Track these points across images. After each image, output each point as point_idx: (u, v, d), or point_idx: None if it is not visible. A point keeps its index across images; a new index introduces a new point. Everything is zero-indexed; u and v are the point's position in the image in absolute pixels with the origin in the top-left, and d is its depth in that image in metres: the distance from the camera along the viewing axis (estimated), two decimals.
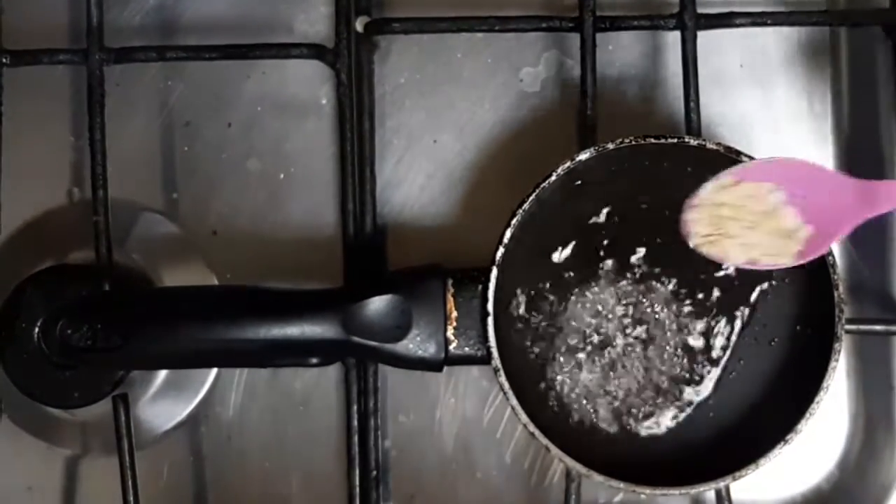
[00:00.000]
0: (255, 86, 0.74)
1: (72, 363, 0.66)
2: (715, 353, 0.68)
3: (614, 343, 0.68)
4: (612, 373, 0.68)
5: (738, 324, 0.68)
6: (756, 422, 0.67)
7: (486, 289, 0.65)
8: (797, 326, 0.67)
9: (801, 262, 0.63)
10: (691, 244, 0.63)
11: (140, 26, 0.74)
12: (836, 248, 0.70)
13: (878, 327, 0.70)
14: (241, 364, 0.72)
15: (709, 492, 0.69)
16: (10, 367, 0.67)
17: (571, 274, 0.68)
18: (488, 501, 0.73)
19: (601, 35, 0.70)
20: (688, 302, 0.68)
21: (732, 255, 0.63)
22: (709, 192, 0.63)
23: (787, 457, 0.64)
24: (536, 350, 0.68)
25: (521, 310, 0.68)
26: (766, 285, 0.68)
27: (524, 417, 0.64)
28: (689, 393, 0.68)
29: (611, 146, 0.65)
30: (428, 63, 0.74)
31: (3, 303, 0.68)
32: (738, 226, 0.63)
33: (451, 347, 0.66)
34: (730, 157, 0.65)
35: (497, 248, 0.65)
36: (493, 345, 0.64)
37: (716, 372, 0.68)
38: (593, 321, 0.68)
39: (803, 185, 0.63)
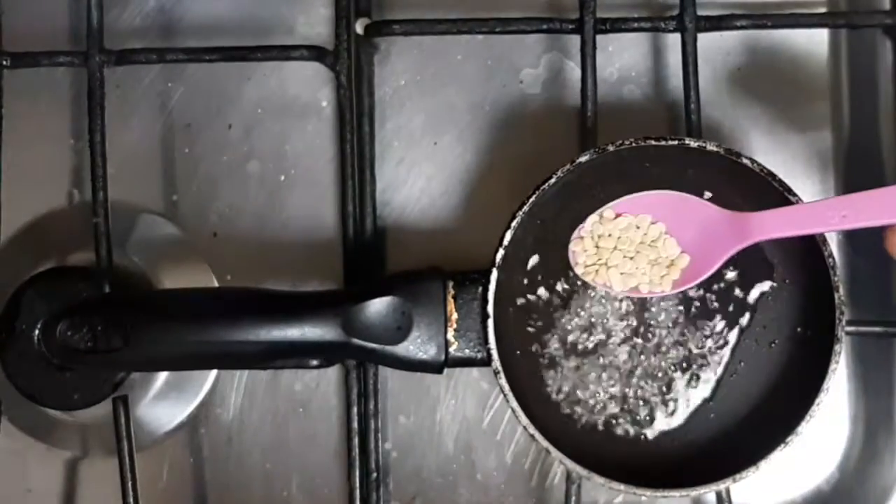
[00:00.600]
0: (255, 88, 0.74)
1: (72, 365, 0.66)
2: (715, 356, 0.68)
3: (615, 345, 0.68)
4: (612, 374, 0.68)
5: (738, 326, 0.68)
6: (756, 424, 0.67)
7: (486, 291, 0.65)
8: (797, 328, 0.67)
9: (679, 289, 0.66)
10: (577, 273, 0.67)
11: (140, 28, 0.74)
12: (836, 250, 0.70)
13: (878, 329, 0.70)
14: (241, 366, 0.72)
15: (709, 493, 0.69)
16: (11, 369, 0.67)
17: (573, 275, 0.68)
18: (489, 503, 0.73)
19: (601, 37, 0.70)
20: (690, 304, 0.68)
21: (615, 283, 0.66)
22: (591, 224, 0.66)
23: (787, 459, 0.64)
24: (537, 352, 0.68)
25: (522, 311, 0.68)
26: (766, 287, 0.68)
27: (524, 419, 0.64)
28: (689, 395, 0.68)
29: (611, 148, 0.65)
30: (428, 65, 0.74)
31: (4, 304, 0.67)
32: (619, 256, 0.66)
33: (452, 349, 0.66)
34: (730, 159, 0.65)
35: (497, 250, 0.65)
36: (494, 347, 0.64)
37: (716, 374, 0.68)
38: (594, 323, 0.68)
39: (680, 216, 0.65)
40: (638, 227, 0.66)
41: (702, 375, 0.68)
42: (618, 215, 0.66)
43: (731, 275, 0.68)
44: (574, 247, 0.66)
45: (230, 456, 0.73)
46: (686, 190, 0.66)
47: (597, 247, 0.66)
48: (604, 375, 0.68)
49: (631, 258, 0.66)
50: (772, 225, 0.63)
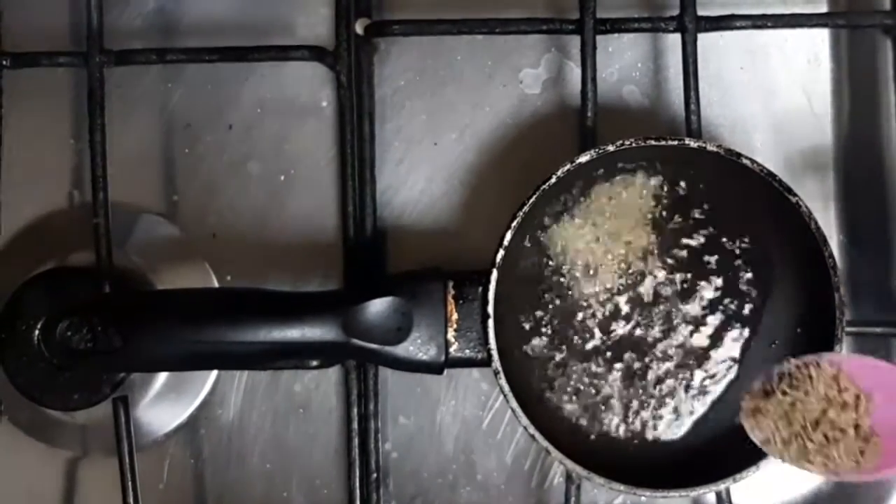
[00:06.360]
0: (255, 88, 0.74)
1: (72, 365, 0.66)
2: (715, 357, 0.68)
3: (616, 346, 0.68)
4: (613, 375, 0.68)
5: (738, 327, 0.68)
6: None
7: (486, 291, 0.65)
8: (797, 328, 0.67)
9: (873, 477, 0.58)
10: (756, 440, 0.59)
11: (140, 29, 0.74)
12: (836, 250, 0.70)
13: (878, 329, 0.70)
14: (241, 366, 0.72)
15: (709, 494, 0.68)
16: (11, 369, 0.67)
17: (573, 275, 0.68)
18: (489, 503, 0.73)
19: (601, 37, 0.70)
20: (690, 304, 0.68)
21: (816, 464, 0.58)
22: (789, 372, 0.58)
23: None
24: (537, 352, 0.68)
25: (522, 312, 0.68)
26: (766, 288, 0.68)
27: (524, 420, 0.64)
28: (689, 396, 0.68)
29: (611, 148, 0.65)
30: (428, 65, 0.74)
31: (4, 305, 0.67)
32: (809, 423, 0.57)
33: (452, 350, 0.66)
34: (730, 159, 0.65)
35: (497, 251, 0.65)
36: (494, 347, 0.64)
37: (716, 375, 0.68)
38: (595, 324, 0.68)
39: (886, 391, 0.58)
40: (842, 392, 0.57)
41: (702, 376, 0.68)
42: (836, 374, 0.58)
43: (731, 275, 0.68)
44: (756, 402, 0.59)
45: (230, 456, 0.73)
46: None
47: (791, 404, 0.58)
48: (604, 376, 0.68)
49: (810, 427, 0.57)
50: None
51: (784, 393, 0.58)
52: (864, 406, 0.57)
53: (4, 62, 0.70)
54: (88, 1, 0.70)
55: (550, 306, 0.68)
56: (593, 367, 0.68)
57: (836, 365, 0.58)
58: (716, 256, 0.68)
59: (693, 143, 0.65)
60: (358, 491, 0.70)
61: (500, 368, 0.64)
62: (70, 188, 0.74)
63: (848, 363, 0.58)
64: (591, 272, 0.68)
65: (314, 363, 0.71)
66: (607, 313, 0.68)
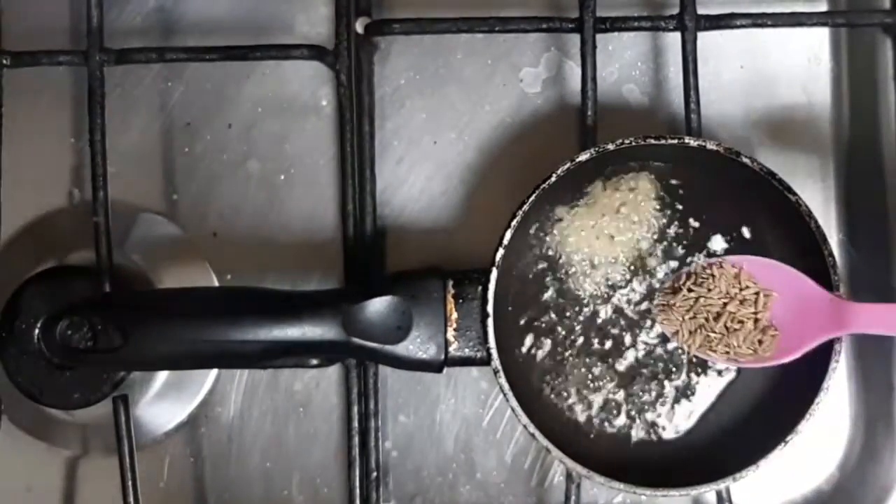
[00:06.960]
0: (255, 87, 0.74)
1: (72, 364, 0.66)
2: None
3: (616, 345, 0.68)
4: (613, 374, 0.68)
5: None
6: (756, 423, 0.67)
7: (485, 290, 0.65)
8: None
9: (770, 364, 0.64)
10: (664, 328, 0.66)
11: (140, 27, 0.74)
12: (836, 250, 0.70)
13: None
14: (241, 365, 0.72)
15: (709, 493, 0.69)
16: (11, 368, 0.67)
17: (573, 276, 0.68)
18: (488, 502, 0.73)
19: (601, 36, 0.70)
20: None
21: (718, 354, 0.65)
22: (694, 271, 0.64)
23: (787, 458, 0.64)
24: (536, 351, 0.68)
25: (522, 310, 0.68)
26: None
27: (524, 419, 0.64)
28: (689, 395, 0.68)
29: (611, 147, 0.65)
30: (428, 64, 0.74)
31: (4, 304, 0.67)
32: (712, 317, 0.64)
33: (452, 349, 0.66)
34: (730, 158, 0.65)
35: (497, 250, 0.65)
36: (493, 346, 0.64)
37: (716, 374, 0.68)
38: (595, 323, 0.68)
39: (781, 288, 0.64)
40: (742, 290, 0.64)
41: (702, 376, 0.68)
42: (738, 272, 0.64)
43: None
44: (666, 299, 0.65)
45: (230, 455, 0.74)
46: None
47: (696, 299, 0.64)
48: (604, 375, 0.68)
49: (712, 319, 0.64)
50: (879, 320, 0.62)
51: (689, 290, 0.64)
52: (763, 302, 0.63)
53: (4, 61, 0.70)
54: (88, 0, 0.70)
55: (550, 305, 0.68)
56: (593, 366, 0.68)
57: (738, 265, 0.64)
58: (715, 256, 0.68)
59: (693, 142, 0.65)
60: (358, 489, 0.70)
61: (499, 367, 0.64)
62: (70, 187, 0.74)
63: (749, 264, 0.64)
64: (592, 271, 0.68)
65: (314, 362, 0.71)
66: (607, 312, 0.68)
